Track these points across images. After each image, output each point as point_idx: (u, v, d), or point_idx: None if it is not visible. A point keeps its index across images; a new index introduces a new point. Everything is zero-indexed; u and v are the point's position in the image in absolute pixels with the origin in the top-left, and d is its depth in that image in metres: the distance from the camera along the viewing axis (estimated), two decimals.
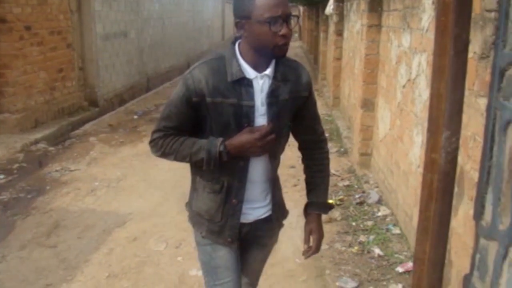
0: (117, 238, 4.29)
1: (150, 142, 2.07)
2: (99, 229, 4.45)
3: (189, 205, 2.22)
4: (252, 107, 1.95)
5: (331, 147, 7.17)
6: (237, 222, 2.10)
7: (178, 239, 4.25)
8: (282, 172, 5.76)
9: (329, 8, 9.92)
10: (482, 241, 2.01)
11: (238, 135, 1.95)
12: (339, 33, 9.26)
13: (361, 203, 4.90)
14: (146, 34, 12.62)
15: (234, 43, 1.99)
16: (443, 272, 2.09)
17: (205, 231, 2.12)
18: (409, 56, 4.19)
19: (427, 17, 3.68)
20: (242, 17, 1.87)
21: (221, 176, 2.04)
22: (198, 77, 1.92)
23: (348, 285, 3.47)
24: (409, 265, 3.56)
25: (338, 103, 9.50)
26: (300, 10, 27.56)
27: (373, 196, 4.95)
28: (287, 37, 1.87)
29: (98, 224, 4.55)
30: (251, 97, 1.94)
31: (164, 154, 2.05)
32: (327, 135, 8.06)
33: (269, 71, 1.96)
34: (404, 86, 4.31)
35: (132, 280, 3.64)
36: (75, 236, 4.32)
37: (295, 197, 4.89)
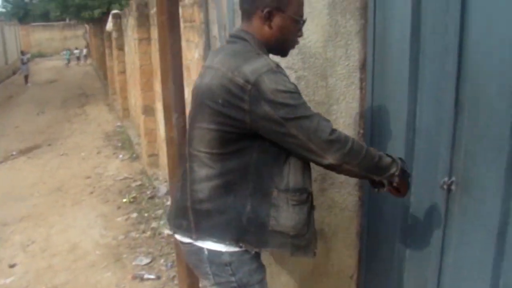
0: None
1: (330, 134, 1.57)
2: None
3: (253, 229, 1.68)
4: None
5: (124, 154, 7.71)
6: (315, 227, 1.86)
7: None
8: (78, 182, 6.12)
9: (110, 25, 10.38)
10: None
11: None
12: (120, 47, 9.81)
13: (152, 197, 5.51)
14: None
15: (243, 38, 1.69)
16: None
17: (289, 250, 1.73)
18: None
19: None
20: (276, 8, 1.65)
21: (307, 182, 1.74)
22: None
23: (143, 262, 4.04)
24: None
25: (128, 114, 10.06)
26: (86, 28, 27.28)
27: (162, 190, 5.59)
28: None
29: None
30: None
31: (352, 150, 1.59)
32: (119, 144, 8.55)
33: None
34: None
35: None
36: None
37: (92, 202, 5.31)
